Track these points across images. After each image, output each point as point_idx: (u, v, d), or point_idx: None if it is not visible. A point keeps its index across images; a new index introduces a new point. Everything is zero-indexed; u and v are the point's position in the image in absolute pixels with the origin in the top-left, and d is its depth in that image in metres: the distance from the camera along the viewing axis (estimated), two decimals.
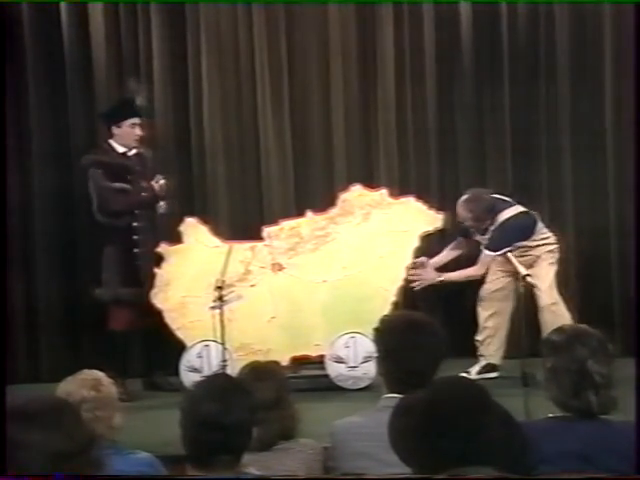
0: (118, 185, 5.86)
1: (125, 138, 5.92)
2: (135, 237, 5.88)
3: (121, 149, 5.95)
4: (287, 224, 6.13)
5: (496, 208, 5.94)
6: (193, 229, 6.05)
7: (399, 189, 6.45)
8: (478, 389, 2.16)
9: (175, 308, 5.96)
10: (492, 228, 5.94)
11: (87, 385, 3.08)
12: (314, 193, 6.73)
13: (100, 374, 3.19)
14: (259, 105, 6.72)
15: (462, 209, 5.94)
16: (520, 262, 5.78)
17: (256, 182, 6.78)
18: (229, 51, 6.74)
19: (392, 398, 2.77)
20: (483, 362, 6.16)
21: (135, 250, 5.89)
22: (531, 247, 5.99)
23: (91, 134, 6.54)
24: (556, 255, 6.04)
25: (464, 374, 5.61)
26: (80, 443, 1.95)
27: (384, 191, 6.18)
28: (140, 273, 5.91)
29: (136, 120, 5.90)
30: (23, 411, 1.97)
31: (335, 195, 6.20)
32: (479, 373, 6.04)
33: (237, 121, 6.76)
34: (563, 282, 6.23)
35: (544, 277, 5.88)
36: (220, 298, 5.41)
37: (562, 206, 6.80)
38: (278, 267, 6.05)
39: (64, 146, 6.57)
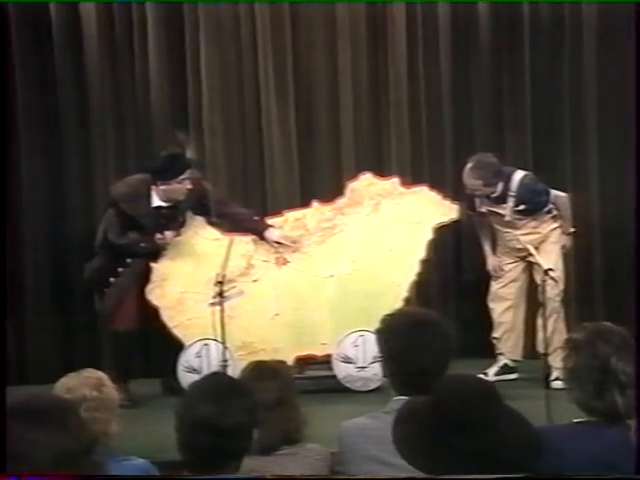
0: (123, 241, 5.85)
1: (171, 194, 5.85)
2: (112, 279, 5.91)
3: (158, 202, 5.90)
4: (291, 215, 6.15)
5: (504, 171, 6.02)
6: (191, 220, 6.07)
7: (412, 177, 6.46)
8: (485, 386, 2.19)
9: (172, 305, 5.97)
10: (512, 192, 5.98)
11: (89, 384, 3.11)
12: (320, 182, 6.74)
13: (103, 374, 3.21)
14: (261, 85, 6.70)
15: (470, 177, 5.99)
16: (528, 242, 5.86)
17: (258, 170, 6.78)
18: (229, 28, 6.72)
19: (402, 400, 2.78)
20: (501, 362, 6.20)
21: (105, 289, 5.94)
22: (540, 224, 6.05)
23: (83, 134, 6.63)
24: (562, 235, 6.10)
25: (481, 375, 5.62)
26: (84, 444, 1.98)
27: (395, 180, 6.19)
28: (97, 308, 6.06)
29: (186, 175, 5.83)
30: (28, 408, 2.00)
31: (343, 184, 6.21)
32: (497, 374, 6.07)
33: (237, 102, 6.75)
34: (586, 271, 6.22)
35: (549, 257, 5.88)
36: (220, 294, 5.41)
37: (586, 187, 6.81)
38: (282, 261, 6.06)
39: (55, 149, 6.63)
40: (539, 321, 5.92)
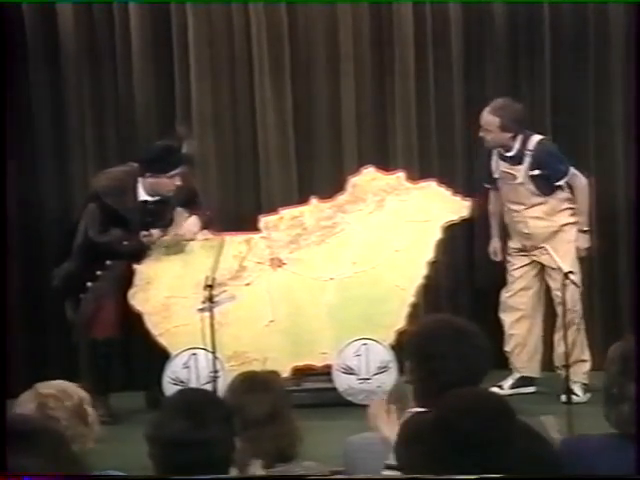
0: (105, 239, 5.87)
1: (157, 188, 5.91)
2: (89, 284, 5.92)
3: (144, 196, 5.93)
4: (288, 213, 6.15)
5: (524, 127, 6.03)
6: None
7: (419, 172, 6.46)
8: (496, 401, 2.19)
9: (157, 311, 5.97)
10: (529, 151, 5.99)
11: (55, 396, 3.10)
12: (319, 176, 6.73)
13: (69, 384, 3.22)
14: (255, 72, 6.68)
15: (488, 114, 5.99)
16: (537, 228, 5.89)
17: (251, 163, 6.77)
18: (220, 12, 6.71)
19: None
20: (517, 374, 6.19)
21: (81, 295, 5.95)
22: (552, 211, 6.03)
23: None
24: (579, 233, 6.07)
25: (496, 388, 5.63)
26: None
27: (401, 174, 6.19)
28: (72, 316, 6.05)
29: (177, 171, 5.85)
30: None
31: (344, 179, 6.21)
32: (513, 387, 6.06)
33: (229, 91, 6.74)
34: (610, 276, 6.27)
35: (565, 258, 5.76)
36: (210, 299, 5.40)
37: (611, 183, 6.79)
38: (277, 263, 6.07)
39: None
40: (557, 331, 5.90)
